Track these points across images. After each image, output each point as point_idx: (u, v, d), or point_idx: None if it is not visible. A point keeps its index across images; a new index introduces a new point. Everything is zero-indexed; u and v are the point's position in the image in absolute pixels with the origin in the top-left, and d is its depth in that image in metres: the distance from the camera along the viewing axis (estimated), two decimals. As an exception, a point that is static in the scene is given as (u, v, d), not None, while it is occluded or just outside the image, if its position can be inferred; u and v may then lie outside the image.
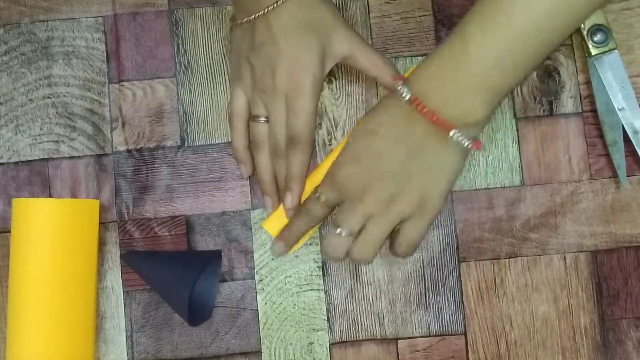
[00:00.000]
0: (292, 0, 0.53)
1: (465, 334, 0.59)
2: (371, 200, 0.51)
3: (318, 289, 0.59)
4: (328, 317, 0.59)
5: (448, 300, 0.59)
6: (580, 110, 0.60)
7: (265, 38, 0.54)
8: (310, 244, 0.59)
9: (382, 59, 0.56)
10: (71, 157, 0.60)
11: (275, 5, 0.53)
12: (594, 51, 0.59)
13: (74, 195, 0.59)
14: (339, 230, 0.52)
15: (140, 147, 0.60)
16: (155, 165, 0.60)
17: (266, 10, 0.53)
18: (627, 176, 0.59)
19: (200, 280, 0.58)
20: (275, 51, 0.53)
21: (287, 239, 0.56)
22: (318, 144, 0.60)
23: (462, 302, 0.59)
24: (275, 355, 0.59)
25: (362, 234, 0.52)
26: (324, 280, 0.59)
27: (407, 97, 0.50)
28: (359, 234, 0.52)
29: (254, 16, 0.53)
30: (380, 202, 0.51)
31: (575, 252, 0.59)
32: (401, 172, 0.51)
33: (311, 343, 0.59)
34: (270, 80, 0.54)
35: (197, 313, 0.58)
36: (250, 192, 0.60)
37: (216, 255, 0.59)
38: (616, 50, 0.59)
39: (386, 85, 0.57)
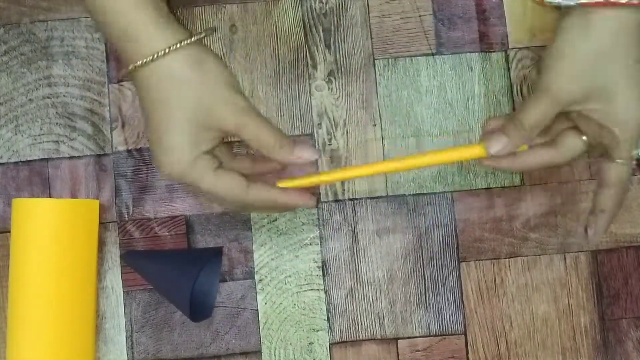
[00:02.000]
0: (174, 57, 0.46)
1: (465, 333, 0.59)
2: None
3: (318, 289, 0.59)
4: (328, 317, 0.59)
5: (448, 300, 0.59)
6: (581, 110, 0.60)
7: (140, 99, 0.48)
8: (310, 244, 0.59)
9: (276, 137, 0.48)
10: (71, 157, 0.60)
11: (147, 60, 0.46)
12: (594, 51, 0.59)
13: (74, 195, 0.59)
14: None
15: (140, 147, 0.60)
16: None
17: (137, 65, 0.46)
18: (627, 176, 0.59)
19: (201, 277, 0.59)
20: (145, 122, 0.48)
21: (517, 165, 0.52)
22: (318, 144, 0.60)
23: (462, 302, 0.59)
24: (275, 355, 0.59)
25: None
26: (324, 280, 0.59)
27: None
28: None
29: (131, 66, 0.47)
30: None
31: (575, 252, 0.59)
32: None
33: (311, 343, 0.59)
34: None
35: (198, 309, 0.58)
36: (250, 192, 0.60)
37: (217, 252, 0.59)
38: (616, 50, 0.59)
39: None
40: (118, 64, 0.60)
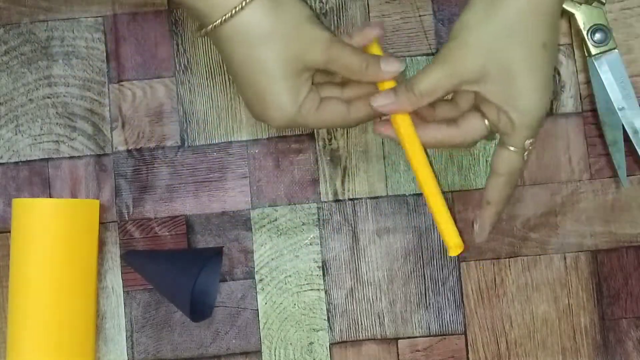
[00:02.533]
0: (252, 7, 0.45)
1: (465, 333, 0.59)
2: None
3: (318, 289, 0.59)
4: (328, 317, 0.59)
5: (448, 300, 0.59)
6: (580, 110, 0.60)
7: (225, 60, 0.48)
8: (310, 244, 0.59)
9: (362, 58, 0.49)
10: (71, 157, 0.60)
11: (225, 18, 0.45)
12: (594, 51, 0.59)
13: (74, 195, 0.59)
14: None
15: (140, 147, 0.60)
16: (155, 165, 0.60)
17: (215, 24, 0.45)
18: (627, 176, 0.59)
19: (201, 277, 0.59)
20: (236, 79, 0.48)
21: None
22: (318, 144, 0.60)
23: (462, 301, 0.59)
24: (275, 355, 0.59)
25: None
26: (324, 280, 0.59)
27: None
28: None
29: (205, 29, 0.47)
30: None
31: (575, 252, 0.59)
32: None
33: (311, 343, 0.59)
34: (251, 113, 0.50)
35: (198, 309, 0.58)
36: (250, 191, 0.60)
37: (217, 252, 0.59)
38: (616, 50, 0.59)
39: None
40: (118, 65, 0.60)
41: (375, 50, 0.51)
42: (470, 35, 0.46)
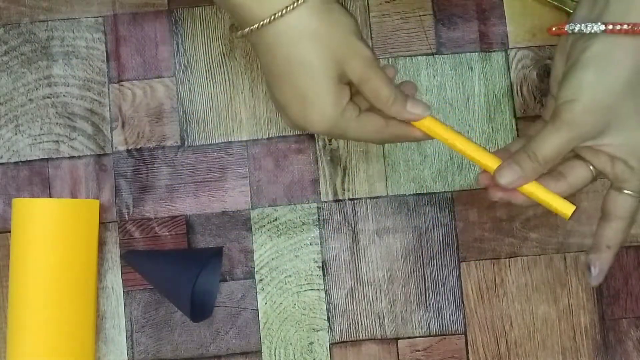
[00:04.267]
0: (301, 9, 0.44)
1: (465, 333, 0.59)
2: None
3: (318, 289, 0.59)
4: (328, 317, 0.59)
5: (448, 300, 0.59)
6: (581, 110, 0.60)
7: (265, 61, 0.46)
8: (311, 244, 0.59)
9: (392, 91, 0.47)
10: (71, 157, 0.60)
11: (274, 17, 0.44)
12: (594, 51, 0.59)
13: (74, 195, 0.59)
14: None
15: (140, 147, 0.60)
16: (155, 165, 0.60)
17: (262, 23, 0.44)
18: (627, 176, 0.59)
19: (202, 277, 0.59)
20: (276, 81, 0.47)
21: None
22: (318, 144, 0.60)
23: (462, 301, 0.59)
24: (275, 355, 0.59)
25: None
26: (324, 280, 0.59)
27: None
28: None
29: (247, 29, 0.45)
30: None
31: (575, 252, 0.59)
32: None
33: (311, 343, 0.59)
34: (287, 119, 0.49)
35: (198, 309, 0.58)
36: (250, 191, 0.60)
37: (217, 252, 0.59)
38: (616, 50, 0.59)
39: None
40: (118, 65, 0.60)
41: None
42: (591, 96, 0.45)
